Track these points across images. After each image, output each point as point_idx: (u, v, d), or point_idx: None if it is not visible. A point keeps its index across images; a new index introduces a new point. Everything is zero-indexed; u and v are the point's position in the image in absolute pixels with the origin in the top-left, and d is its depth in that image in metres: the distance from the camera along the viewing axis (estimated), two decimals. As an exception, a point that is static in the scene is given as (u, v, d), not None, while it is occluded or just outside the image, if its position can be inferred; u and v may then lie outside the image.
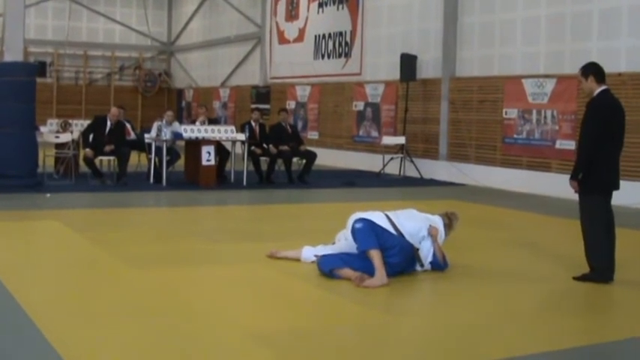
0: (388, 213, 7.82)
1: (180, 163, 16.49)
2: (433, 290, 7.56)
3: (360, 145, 21.73)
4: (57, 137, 16.00)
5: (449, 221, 8.09)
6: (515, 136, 16.80)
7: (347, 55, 22.49)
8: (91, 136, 15.34)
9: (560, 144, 15.71)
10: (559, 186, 13.61)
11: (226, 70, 29.77)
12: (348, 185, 16.93)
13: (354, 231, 7.46)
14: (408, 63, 19.09)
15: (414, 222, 7.86)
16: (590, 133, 7.58)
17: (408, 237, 7.69)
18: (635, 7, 14.46)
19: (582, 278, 7.70)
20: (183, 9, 33.63)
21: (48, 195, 13.42)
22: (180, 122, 20.59)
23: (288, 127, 17.32)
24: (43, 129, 17.29)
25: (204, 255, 8.71)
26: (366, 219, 7.53)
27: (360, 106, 21.79)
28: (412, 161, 18.85)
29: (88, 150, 15.15)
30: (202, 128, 15.87)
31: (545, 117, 16.10)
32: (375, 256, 7.30)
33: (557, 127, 15.82)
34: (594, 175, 7.59)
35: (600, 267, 7.65)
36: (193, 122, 17.24)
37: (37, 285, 7.13)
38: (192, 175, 15.91)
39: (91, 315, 6.07)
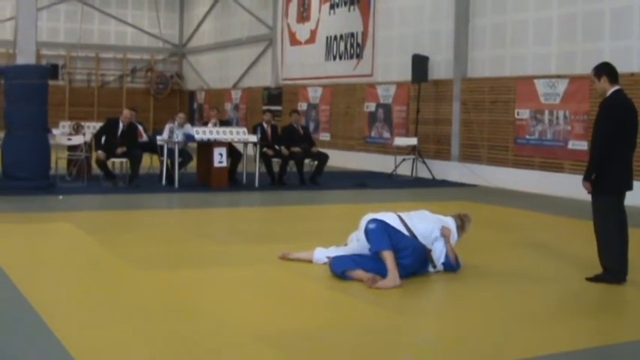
0: (401, 214, 7.82)
1: (193, 164, 16.51)
2: (446, 291, 7.55)
3: (372, 147, 21.72)
4: (69, 139, 16.03)
5: (461, 223, 8.08)
6: (527, 136, 16.76)
7: (358, 56, 22.48)
8: (103, 139, 15.38)
9: (572, 144, 15.66)
10: (571, 186, 13.62)
11: (238, 72, 29.81)
12: (359, 186, 16.92)
13: (367, 231, 7.45)
14: (420, 64, 19.08)
15: (426, 223, 7.86)
16: (603, 134, 7.55)
17: (420, 238, 7.68)
18: (648, 6, 14.43)
19: (595, 279, 7.68)
20: (194, 11, 33.69)
21: (60, 197, 13.47)
22: (192, 124, 20.63)
23: (300, 128, 17.34)
24: (55, 131, 17.30)
25: (215, 256, 8.72)
26: (380, 220, 7.52)
27: (371, 107, 21.77)
28: (424, 162, 18.82)
29: (100, 152, 15.19)
30: (214, 130, 15.88)
31: (557, 117, 16.06)
32: (388, 257, 7.29)
33: (569, 128, 15.77)
34: (607, 176, 7.57)
35: (613, 268, 7.63)
36: (205, 124, 17.27)
37: (49, 286, 7.15)
38: (204, 177, 15.94)
39: (101, 316, 6.09)
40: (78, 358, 4.99)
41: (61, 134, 16.90)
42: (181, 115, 16.69)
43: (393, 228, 7.52)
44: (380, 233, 7.39)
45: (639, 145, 7.98)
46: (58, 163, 15.30)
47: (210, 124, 16.84)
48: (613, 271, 7.63)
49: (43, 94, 14.43)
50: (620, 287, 7.54)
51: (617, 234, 7.64)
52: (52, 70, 28.52)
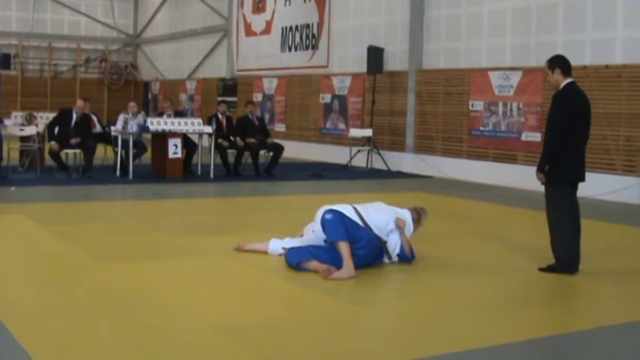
0: (356, 206, 7.84)
1: (147, 156, 16.41)
2: (400, 282, 7.59)
3: (327, 138, 21.75)
4: (22, 130, 15.85)
5: (417, 216, 8.11)
6: (481, 128, 16.89)
7: (314, 47, 22.48)
8: (56, 129, 15.21)
9: (525, 136, 15.81)
10: (525, 177, 13.76)
11: (193, 63, 29.65)
12: (315, 178, 16.93)
13: (323, 222, 7.47)
14: (375, 55, 19.13)
15: (382, 215, 7.88)
16: (557, 126, 7.63)
17: (375, 230, 7.71)
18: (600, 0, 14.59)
19: (548, 269, 7.76)
20: (149, 1, 33.40)
21: (13, 188, 13.31)
22: (147, 115, 20.47)
23: (255, 119, 17.28)
24: (7, 122, 17.11)
25: (171, 248, 8.67)
26: (336, 210, 7.55)
27: (327, 98, 21.80)
28: (379, 153, 18.89)
29: (53, 143, 15.03)
30: (169, 121, 15.78)
31: (511, 109, 16.20)
32: (344, 247, 7.31)
33: (523, 120, 15.92)
34: (560, 167, 7.65)
35: (566, 258, 7.72)
36: (160, 115, 17.14)
37: (2, 280, 7.06)
38: (158, 168, 15.83)
39: (57, 309, 6.02)
40: (34, 354, 4.93)
41: (14, 125, 16.70)
42: (132, 105, 16.50)
43: (349, 219, 7.55)
44: (336, 224, 7.41)
45: (591, 137, 8.07)
46: (10, 154, 15.12)
47: (165, 116, 16.72)
48: (565, 261, 7.72)
49: (-5, 84, 14.26)
50: (572, 277, 7.64)
51: (569, 225, 7.72)
52: (4, 60, 28.22)
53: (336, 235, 7.38)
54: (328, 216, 7.48)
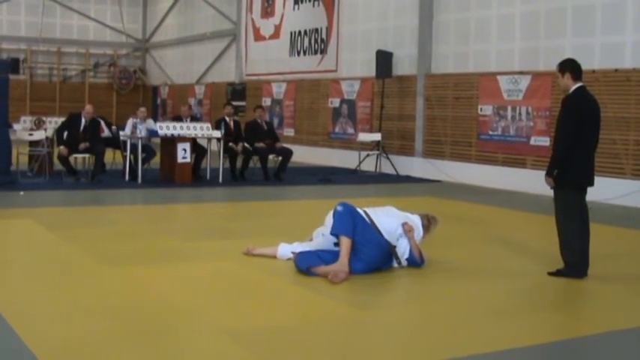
0: (367, 210, 7.85)
1: (156, 160, 16.42)
2: (410, 286, 7.57)
3: (336, 142, 21.74)
4: (31, 135, 15.88)
5: (427, 223, 8.10)
6: (490, 132, 16.86)
7: (323, 51, 22.49)
8: (65, 134, 15.24)
9: (534, 140, 15.78)
10: (534, 182, 13.73)
11: (202, 67, 29.69)
12: (324, 182, 16.93)
13: (335, 213, 7.50)
14: (384, 60, 19.12)
15: (392, 219, 7.88)
16: (566, 130, 7.61)
17: (385, 234, 7.70)
18: (609, 3, 14.55)
19: (557, 273, 7.75)
20: (158, 5, 33.48)
21: (22, 193, 13.33)
22: (155, 120, 20.47)
23: (264, 124, 17.29)
24: (16, 126, 17.12)
25: (180, 252, 8.67)
26: (349, 205, 7.60)
27: (335, 102, 21.80)
28: (388, 158, 18.88)
29: (62, 147, 15.05)
30: (178, 125, 15.78)
31: (519, 113, 16.18)
32: (345, 243, 7.34)
33: (531, 124, 15.89)
34: (569, 172, 7.63)
35: (574, 262, 7.70)
36: (178, 119, 16.98)
37: (11, 284, 7.07)
38: (167, 173, 15.84)
39: (65, 314, 6.03)
40: (42, 357, 4.93)
41: (23, 129, 16.73)
42: (142, 110, 16.52)
43: (360, 216, 7.58)
44: (346, 217, 7.45)
45: (600, 142, 8.04)
46: (20, 158, 15.14)
47: (184, 120, 16.66)
48: (574, 265, 7.70)
49: (4, 89, 14.27)
50: (581, 282, 7.61)
51: (578, 229, 7.70)
52: (13, 64, 28.27)
53: (341, 229, 7.41)
54: (340, 208, 7.54)
